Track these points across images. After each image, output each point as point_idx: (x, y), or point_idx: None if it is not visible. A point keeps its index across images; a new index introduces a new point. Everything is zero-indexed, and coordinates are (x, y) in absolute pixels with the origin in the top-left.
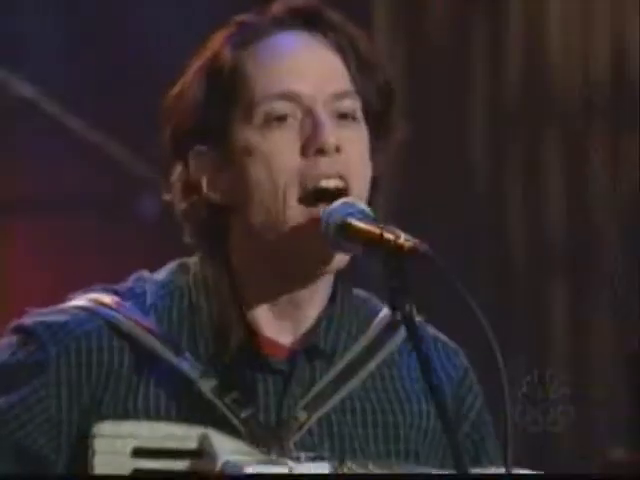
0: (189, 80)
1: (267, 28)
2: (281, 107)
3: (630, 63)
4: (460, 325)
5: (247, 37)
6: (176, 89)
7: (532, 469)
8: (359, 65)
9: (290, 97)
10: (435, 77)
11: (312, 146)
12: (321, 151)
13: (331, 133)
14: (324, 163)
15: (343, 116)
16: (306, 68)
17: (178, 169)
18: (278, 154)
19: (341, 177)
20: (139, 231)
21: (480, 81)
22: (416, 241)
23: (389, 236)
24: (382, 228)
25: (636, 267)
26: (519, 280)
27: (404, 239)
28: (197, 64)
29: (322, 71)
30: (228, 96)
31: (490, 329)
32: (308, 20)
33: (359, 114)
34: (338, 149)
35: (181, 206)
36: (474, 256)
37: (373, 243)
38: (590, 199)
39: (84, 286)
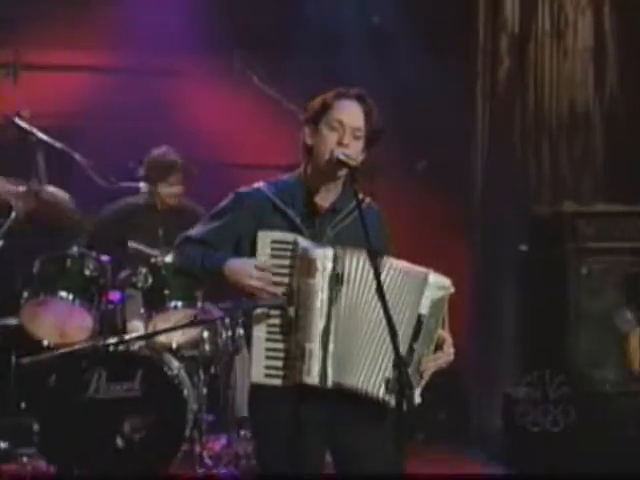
0: (317, 102)
1: (343, 97)
2: (337, 124)
3: (578, 104)
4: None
5: (337, 97)
6: (312, 102)
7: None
8: (367, 119)
9: (340, 122)
10: (505, 115)
11: (341, 141)
12: (343, 145)
13: (349, 140)
14: (342, 149)
15: (355, 137)
16: (349, 114)
17: (305, 128)
18: (329, 141)
19: (349, 155)
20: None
21: (518, 109)
22: (356, 160)
23: (344, 159)
24: (347, 158)
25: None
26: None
27: (352, 160)
28: (321, 98)
29: (354, 116)
30: (325, 111)
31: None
32: (357, 97)
33: (361, 136)
34: (348, 146)
35: (302, 142)
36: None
37: (344, 164)
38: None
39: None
